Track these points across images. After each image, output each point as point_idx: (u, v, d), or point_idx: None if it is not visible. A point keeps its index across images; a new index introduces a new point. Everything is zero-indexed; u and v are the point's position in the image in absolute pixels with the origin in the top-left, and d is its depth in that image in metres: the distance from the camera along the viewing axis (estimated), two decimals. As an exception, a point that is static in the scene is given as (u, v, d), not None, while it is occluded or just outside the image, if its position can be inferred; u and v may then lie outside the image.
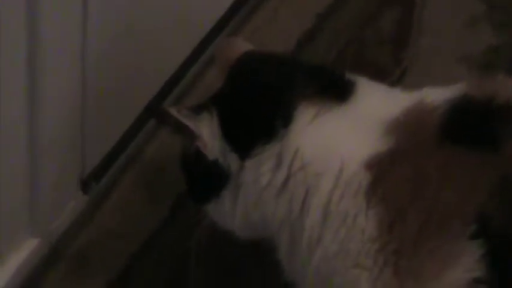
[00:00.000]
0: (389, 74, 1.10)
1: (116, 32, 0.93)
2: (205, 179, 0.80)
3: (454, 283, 0.75)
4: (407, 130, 0.78)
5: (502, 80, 0.83)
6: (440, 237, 0.75)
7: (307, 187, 0.76)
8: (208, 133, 0.79)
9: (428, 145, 0.77)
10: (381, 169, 0.76)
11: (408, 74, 1.08)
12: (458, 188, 0.76)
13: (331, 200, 0.76)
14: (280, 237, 0.79)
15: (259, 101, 0.79)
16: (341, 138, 0.78)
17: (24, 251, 0.98)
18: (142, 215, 0.97)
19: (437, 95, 0.80)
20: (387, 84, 0.86)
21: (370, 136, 0.78)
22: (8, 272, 0.96)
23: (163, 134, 0.94)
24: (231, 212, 0.81)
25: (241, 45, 0.85)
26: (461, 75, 1.13)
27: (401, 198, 0.77)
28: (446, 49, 1.15)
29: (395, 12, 1.16)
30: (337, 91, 0.79)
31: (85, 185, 1.00)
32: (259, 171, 0.76)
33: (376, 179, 0.76)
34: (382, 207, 0.76)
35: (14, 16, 0.76)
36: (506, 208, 0.76)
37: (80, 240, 0.97)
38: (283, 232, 0.78)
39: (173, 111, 0.81)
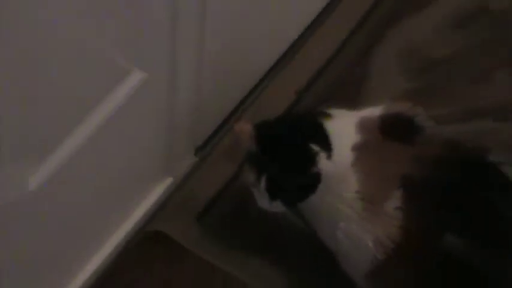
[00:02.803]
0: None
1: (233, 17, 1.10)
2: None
3: (391, 211, 1.02)
4: (365, 129, 1.06)
5: (408, 103, 1.12)
6: (386, 187, 1.04)
7: None
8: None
9: (378, 139, 1.07)
10: (360, 152, 1.04)
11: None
12: (394, 162, 1.05)
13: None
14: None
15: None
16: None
17: (161, 188, 1.19)
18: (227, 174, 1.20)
19: (375, 110, 1.08)
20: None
21: (350, 134, 1.06)
22: (149, 202, 1.18)
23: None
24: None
25: (247, 124, 1.07)
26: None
27: (370, 168, 1.05)
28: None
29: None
30: (328, 115, 1.05)
31: (197, 149, 1.21)
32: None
33: (358, 158, 1.03)
34: (362, 174, 1.03)
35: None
36: (417, 172, 1.03)
37: (195, 183, 1.24)
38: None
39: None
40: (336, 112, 1.08)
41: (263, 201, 1.05)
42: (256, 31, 1.22)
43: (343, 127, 1.08)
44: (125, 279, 1.12)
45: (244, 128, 1.06)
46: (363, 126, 1.07)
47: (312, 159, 1.02)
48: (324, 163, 1.03)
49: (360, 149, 1.04)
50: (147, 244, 1.15)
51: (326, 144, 1.02)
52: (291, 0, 1.28)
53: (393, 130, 1.07)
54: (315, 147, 1.02)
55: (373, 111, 1.08)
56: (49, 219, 0.96)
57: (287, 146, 1.04)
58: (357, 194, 1.03)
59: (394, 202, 1.02)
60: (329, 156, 1.03)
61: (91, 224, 1.07)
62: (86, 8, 0.84)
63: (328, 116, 1.07)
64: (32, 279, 0.98)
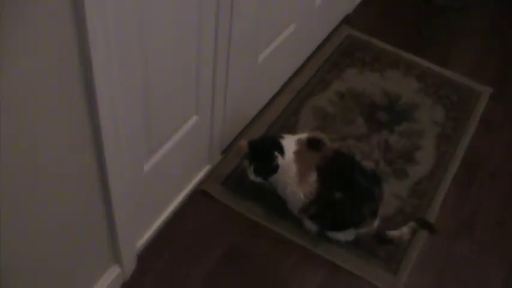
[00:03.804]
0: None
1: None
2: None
3: (311, 182, 1.12)
4: (299, 144, 1.13)
5: (318, 132, 1.24)
6: (308, 171, 1.11)
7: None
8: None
9: (305, 149, 1.13)
10: (296, 154, 1.12)
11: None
12: (312, 159, 1.12)
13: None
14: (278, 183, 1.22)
15: (267, 148, 1.15)
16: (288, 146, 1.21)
17: (202, 173, 1.24)
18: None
19: (304, 135, 1.16)
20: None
21: (292, 146, 1.15)
22: (199, 176, 1.24)
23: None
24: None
25: (245, 141, 1.16)
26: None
27: (301, 162, 1.11)
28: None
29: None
30: (282, 137, 1.22)
31: (222, 152, 1.27)
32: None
33: (295, 157, 1.13)
34: (297, 165, 1.11)
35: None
36: (322, 164, 1.10)
37: (221, 167, 1.30)
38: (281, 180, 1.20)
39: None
40: (286, 135, 1.17)
41: (252, 176, 1.17)
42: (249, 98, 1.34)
43: (289, 143, 1.14)
44: (189, 212, 1.18)
45: (243, 142, 1.15)
46: (298, 142, 1.14)
47: (274, 158, 1.11)
48: (280, 160, 1.10)
49: (297, 153, 1.13)
50: (198, 196, 1.23)
51: (281, 151, 1.12)
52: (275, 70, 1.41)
53: (312, 144, 1.13)
54: (276, 153, 1.10)
55: (303, 135, 1.16)
56: (152, 187, 1.04)
57: (263, 152, 1.12)
58: (295, 174, 1.11)
59: (312, 178, 1.09)
60: (282, 157, 1.10)
61: (171, 186, 1.16)
62: (180, 87, 0.97)
63: (282, 137, 1.16)
64: (138, 214, 1.07)
